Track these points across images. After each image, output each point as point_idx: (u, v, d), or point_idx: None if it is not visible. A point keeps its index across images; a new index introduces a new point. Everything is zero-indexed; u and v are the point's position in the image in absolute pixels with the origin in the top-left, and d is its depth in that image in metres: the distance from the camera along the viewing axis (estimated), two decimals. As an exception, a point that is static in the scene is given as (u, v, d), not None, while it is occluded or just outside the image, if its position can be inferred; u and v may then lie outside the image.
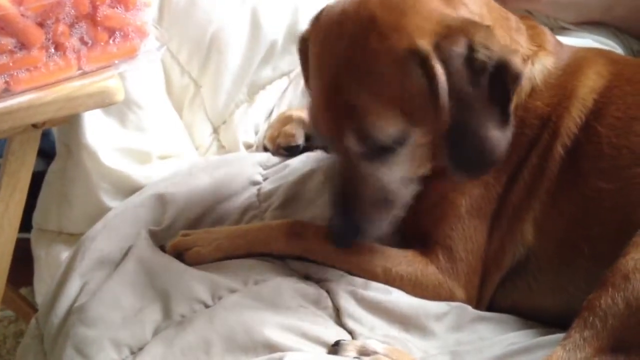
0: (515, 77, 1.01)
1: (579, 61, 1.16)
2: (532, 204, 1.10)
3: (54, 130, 1.45)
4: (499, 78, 1.00)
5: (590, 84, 1.13)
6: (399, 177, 1.05)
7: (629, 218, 1.04)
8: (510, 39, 1.11)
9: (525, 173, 1.10)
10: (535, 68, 1.13)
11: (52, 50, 1.11)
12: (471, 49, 0.99)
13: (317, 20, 1.09)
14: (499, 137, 1.01)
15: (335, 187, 1.06)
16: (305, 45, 1.09)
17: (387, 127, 0.99)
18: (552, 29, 1.47)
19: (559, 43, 1.20)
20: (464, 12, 1.05)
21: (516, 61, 1.02)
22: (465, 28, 1.00)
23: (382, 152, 1.02)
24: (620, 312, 0.95)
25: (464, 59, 0.99)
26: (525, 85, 1.11)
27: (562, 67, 1.14)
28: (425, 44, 0.98)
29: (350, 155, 1.03)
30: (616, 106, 1.11)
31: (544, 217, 1.10)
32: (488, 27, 1.04)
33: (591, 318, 0.96)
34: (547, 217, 1.10)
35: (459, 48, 0.99)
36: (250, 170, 1.35)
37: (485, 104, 1.00)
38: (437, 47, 0.98)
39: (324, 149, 1.09)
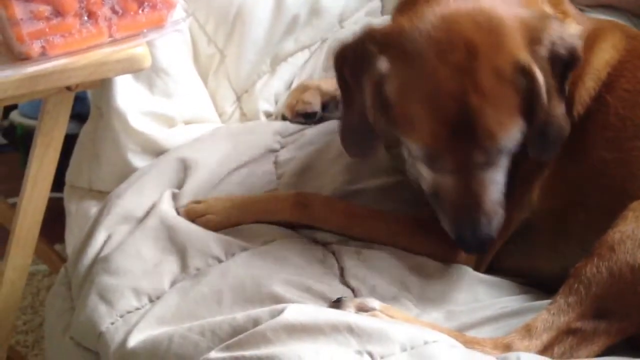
0: (578, 60, 1.09)
1: (597, 32, 1.20)
2: (542, 170, 1.14)
3: (89, 93, 1.54)
4: (568, 63, 1.07)
5: (606, 57, 1.17)
6: (507, 169, 1.11)
7: (625, 189, 1.08)
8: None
9: None
10: None
11: (85, 18, 1.19)
12: (553, 44, 1.06)
13: (394, 52, 1.07)
14: (563, 111, 1.09)
15: (456, 201, 1.09)
16: (382, 81, 1.08)
17: (513, 131, 1.06)
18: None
19: (578, 12, 1.24)
20: (522, 7, 1.09)
21: (580, 46, 1.09)
22: (544, 25, 1.07)
23: (501, 155, 1.09)
24: (604, 280, 1.00)
25: (549, 57, 1.06)
26: None
27: (583, 36, 1.17)
28: (524, 55, 1.05)
29: (470, 167, 1.07)
30: (626, 79, 1.15)
31: (550, 183, 1.14)
32: (557, 17, 1.11)
33: (576, 285, 1.01)
34: (553, 183, 1.14)
35: (546, 48, 1.06)
36: (269, 139, 1.42)
37: (555, 87, 1.07)
38: (532, 53, 1.05)
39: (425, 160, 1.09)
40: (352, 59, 1.11)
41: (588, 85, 1.15)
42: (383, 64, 1.08)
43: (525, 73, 1.05)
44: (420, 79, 1.06)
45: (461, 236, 1.09)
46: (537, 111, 1.06)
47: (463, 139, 1.05)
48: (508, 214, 1.14)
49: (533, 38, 1.06)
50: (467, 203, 1.08)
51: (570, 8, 1.21)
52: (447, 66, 1.04)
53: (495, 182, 1.09)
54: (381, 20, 1.48)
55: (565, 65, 1.08)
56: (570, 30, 1.10)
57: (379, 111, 1.09)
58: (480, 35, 1.04)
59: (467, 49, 1.04)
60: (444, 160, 1.08)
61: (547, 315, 1.02)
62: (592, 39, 1.18)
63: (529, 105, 1.06)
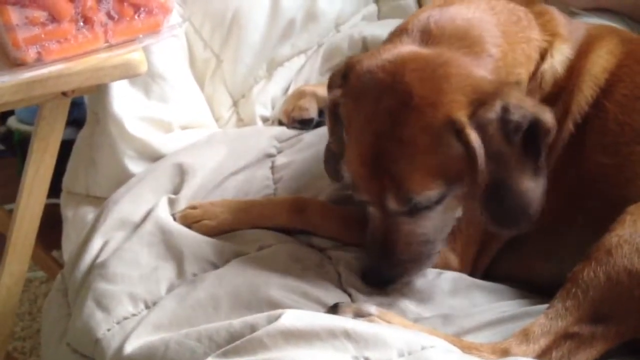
0: (547, 132, 1.05)
1: (592, 39, 1.19)
2: None
3: (85, 99, 1.53)
4: (532, 134, 1.04)
5: (602, 63, 1.16)
6: (436, 225, 1.10)
7: (623, 193, 1.08)
8: (527, 51, 1.13)
9: None
10: (556, 60, 1.15)
11: (81, 23, 1.19)
12: (506, 110, 1.02)
13: (348, 82, 1.10)
14: (534, 188, 1.04)
15: (374, 236, 1.11)
16: (336, 107, 1.12)
17: (427, 192, 1.04)
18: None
19: (570, 22, 1.23)
20: (488, 62, 1.08)
21: (547, 117, 1.05)
22: (500, 91, 1.03)
23: (421, 210, 1.07)
24: (601, 285, 1.00)
25: (498, 122, 1.02)
26: (548, 79, 1.14)
27: (577, 48, 1.17)
28: (460, 115, 1.02)
29: (389, 212, 1.08)
30: (624, 84, 1.14)
31: (548, 188, 1.12)
32: (518, 85, 1.09)
33: (574, 289, 1.01)
34: (550, 189, 1.12)
35: (494, 113, 1.02)
36: (266, 143, 1.42)
37: (519, 159, 1.03)
38: (473, 116, 1.02)
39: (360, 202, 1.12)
40: (331, 87, 1.15)
41: (586, 93, 1.14)
42: (337, 94, 1.11)
43: (459, 134, 1.01)
44: (356, 115, 1.08)
45: (367, 266, 1.12)
46: (475, 177, 1.02)
47: (378, 182, 1.06)
48: None
49: (479, 100, 1.02)
50: (377, 241, 1.10)
51: (561, 26, 1.18)
52: (379, 108, 1.04)
53: (413, 234, 1.08)
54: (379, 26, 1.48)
55: (529, 135, 1.03)
56: (533, 104, 1.05)
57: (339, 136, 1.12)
58: (420, 86, 1.03)
59: (402, 97, 1.03)
60: (363, 196, 1.09)
61: (545, 319, 1.01)
62: (588, 45, 1.18)
63: (467, 169, 1.03)
